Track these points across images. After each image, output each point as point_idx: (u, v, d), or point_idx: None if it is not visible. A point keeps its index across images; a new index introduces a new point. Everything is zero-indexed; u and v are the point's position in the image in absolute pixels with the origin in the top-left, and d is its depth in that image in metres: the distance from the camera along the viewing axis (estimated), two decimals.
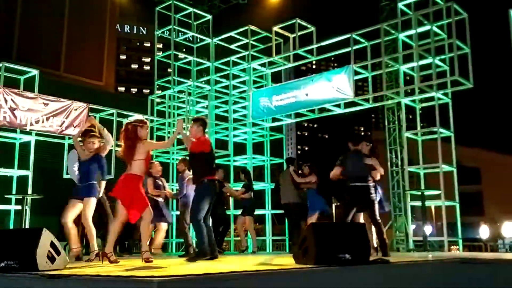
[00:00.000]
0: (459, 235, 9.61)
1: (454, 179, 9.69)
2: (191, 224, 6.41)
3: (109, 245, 5.43)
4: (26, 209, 9.02)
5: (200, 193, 5.97)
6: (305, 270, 3.87)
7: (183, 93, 12.24)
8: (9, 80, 9.71)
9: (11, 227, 9.40)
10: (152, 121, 11.99)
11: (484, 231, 22.51)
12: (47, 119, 9.66)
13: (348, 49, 10.29)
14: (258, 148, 12.46)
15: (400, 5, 9.99)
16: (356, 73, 10.16)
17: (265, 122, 11.93)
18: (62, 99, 9.98)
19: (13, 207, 9.52)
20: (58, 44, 15.40)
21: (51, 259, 3.99)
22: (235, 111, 12.29)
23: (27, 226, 8.79)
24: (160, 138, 12.14)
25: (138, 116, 6.15)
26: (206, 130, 6.35)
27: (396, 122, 13.56)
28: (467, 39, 9.17)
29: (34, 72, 9.91)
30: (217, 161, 12.56)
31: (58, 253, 4.08)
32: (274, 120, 11.83)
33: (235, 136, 12.34)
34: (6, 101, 9.09)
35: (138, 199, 5.40)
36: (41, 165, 10.71)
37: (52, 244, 4.05)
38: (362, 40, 10.25)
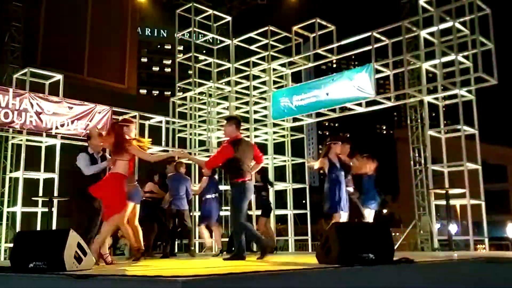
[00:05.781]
0: (485, 234, 9.44)
1: (479, 177, 9.53)
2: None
3: (104, 246, 5.60)
4: (52, 211, 9.22)
5: (234, 195, 6.03)
6: (328, 269, 3.87)
7: (204, 95, 12.32)
8: (34, 85, 9.94)
9: (39, 228, 9.61)
10: (174, 122, 12.10)
11: (511, 230, 22.07)
12: (72, 122, 9.84)
13: (369, 48, 10.20)
14: (279, 148, 12.46)
15: (421, 2, 9.86)
16: (377, 71, 10.06)
17: (285, 122, 11.92)
18: (86, 103, 10.16)
19: (40, 209, 9.74)
20: (81, 48, 15.69)
21: (78, 259, 4.06)
22: (255, 112, 12.31)
23: (54, 228, 8.97)
24: (182, 140, 12.25)
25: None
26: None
27: (419, 120, 13.42)
28: (490, 35, 9.01)
29: (59, 76, 10.11)
30: None
31: (85, 253, 4.16)
32: (295, 120, 11.81)
33: (256, 136, 12.35)
34: (32, 105, 9.30)
35: (116, 199, 5.44)
36: (67, 167, 10.90)
37: (79, 245, 4.13)
38: (383, 38, 10.14)
